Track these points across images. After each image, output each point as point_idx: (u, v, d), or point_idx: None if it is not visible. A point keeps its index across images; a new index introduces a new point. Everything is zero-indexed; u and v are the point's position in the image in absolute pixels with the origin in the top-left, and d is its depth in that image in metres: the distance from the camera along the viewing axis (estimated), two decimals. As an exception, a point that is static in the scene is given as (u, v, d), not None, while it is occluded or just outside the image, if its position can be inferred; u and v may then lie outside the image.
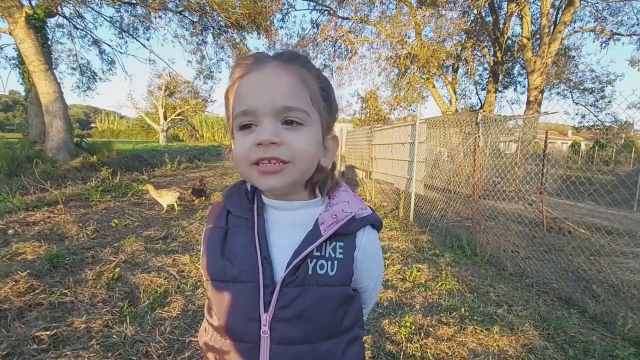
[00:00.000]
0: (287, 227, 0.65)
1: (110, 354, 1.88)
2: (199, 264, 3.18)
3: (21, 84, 9.84)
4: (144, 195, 6.30)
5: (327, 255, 0.62)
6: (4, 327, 2.05)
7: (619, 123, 14.79)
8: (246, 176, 0.62)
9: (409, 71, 15.51)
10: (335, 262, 0.62)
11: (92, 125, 49.20)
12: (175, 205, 5.41)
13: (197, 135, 38.19)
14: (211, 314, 0.68)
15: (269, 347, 0.60)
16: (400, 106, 16.64)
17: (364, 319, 0.74)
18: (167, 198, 5.29)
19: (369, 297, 0.74)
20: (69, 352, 1.85)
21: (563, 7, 11.36)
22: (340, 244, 0.63)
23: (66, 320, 2.16)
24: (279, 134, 0.55)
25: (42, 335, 1.98)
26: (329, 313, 0.62)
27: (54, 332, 2.01)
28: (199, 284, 2.84)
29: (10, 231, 3.74)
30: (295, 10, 15.84)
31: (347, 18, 15.56)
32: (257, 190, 0.67)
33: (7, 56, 11.77)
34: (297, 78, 0.58)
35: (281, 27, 16.02)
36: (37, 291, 2.45)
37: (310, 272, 0.60)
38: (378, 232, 0.69)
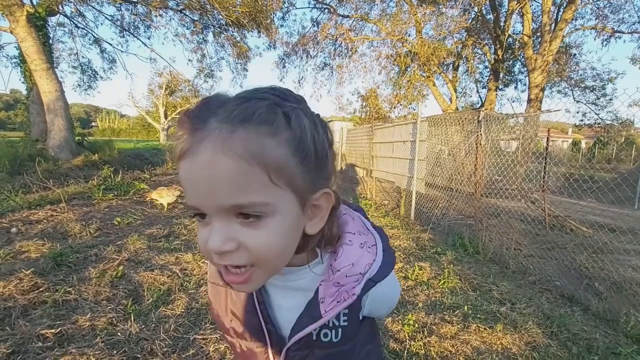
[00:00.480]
0: (287, 290, 0.60)
1: (115, 352, 1.89)
2: (202, 262, 3.19)
3: (23, 82, 9.87)
4: (145, 194, 6.31)
5: (330, 325, 0.59)
6: (9, 325, 2.05)
7: (620, 121, 14.75)
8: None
9: (409, 69, 15.50)
10: (340, 330, 0.59)
11: (93, 124, 49.28)
12: (166, 205, 5.42)
13: (198, 134, 38.17)
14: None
15: None
16: (401, 104, 16.65)
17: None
18: (167, 197, 5.31)
19: (383, 315, 0.71)
20: (73, 350, 1.86)
21: (564, 5, 11.34)
22: (344, 311, 0.58)
23: (70, 318, 2.17)
24: (234, 235, 0.44)
25: (46, 333, 1.98)
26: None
27: (58, 330, 2.02)
28: (202, 282, 2.85)
29: (14, 229, 3.75)
30: (296, 8, 15.85)
31: (347, 16, 15.54)
32: None
33: (8, 55, 11.81)
34: (244, 162, 0.41)
35: (282, 26, 16.04)
36: (41, 289, 2.46)
37: (314, 339, 0.59)
38: (391, 274, 0.61)
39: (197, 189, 0.43)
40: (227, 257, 0.45)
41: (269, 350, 0.60)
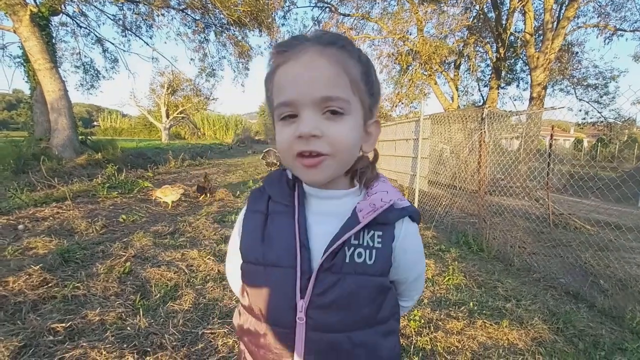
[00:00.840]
0: (325, 216, 0.64)
1: (125, 345, 1.91)
2: (207, 259, 3.21)
3: (26, 82, 9.88)
4: (150, 192, 6.33)
5: (365, 244, 0.61)
6: (20, 319, 2.08)
7: (623, 119, 14.72)
8: (290, 167, 0.61)
9: (410, 68, 15.48)
10: (374, 251, 0.61)
11: (95, 123, 49.35)
12: (170, 204, 5.44)
13: (199, 133, 38.25)
14: (245, 297, 0.69)
15: (305, 334, 0.60)
16: (402, 103, 16.61)
17: (405, 313, 0.74)
18: (171, 196, 5.34)
19: (409, 289, 0.73)
20: (84, 344, 1.88)
21: (566, 3, 11.30)
22: (378, 233, 0.62)
23: (80, 312, 2.19)
24: (320, 126, 0.54)
25: (57, 327, 2.00)
26: (365, 303, 0.62)
27: (69, 324, 2.04)
28: (208, 277, 2.86)
29: (21, 226, 3.78)
30: (297, 7, 15.86)
31: (348, 15, 15.53)
32: (297, 178, 0.65)
33: (11, 54, 11.82)
34: (336, 65, 0.55)
35: (283, 25, 15.97)
36: (50, 285, 2.48)
37: (347, 260, 0.60)
38: (417, 225, 0.68)
39: (296, 84, 0.55)
40: (312, 142, 0.54)
41: (298, 274, 0.60)
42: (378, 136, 0.66)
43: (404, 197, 0.67)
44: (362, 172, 0.66)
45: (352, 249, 0.60)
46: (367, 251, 0.61)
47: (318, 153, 0.55)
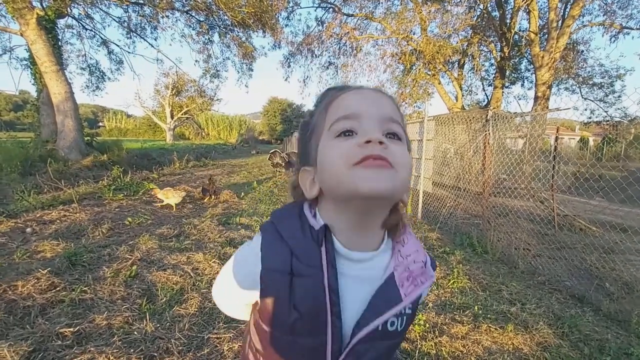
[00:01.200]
0: (356, 279, 0.59)
1: (132, 350, 1.93)
2: (212, 262, 3.23)
3: (33, 84, 10.00)
4: (153, 191, 6.38)
5: (398, 312, 0.59)
6: (29, 323, 2.10)
7: (629, 118, 14.57)
8: (343, 182, 0.53)
9: (414, 68, 15.43)
10: (405, 317, 0.60)
11: (100, 124, 49.73)
12: (174, 205, 5.48)
13: (203, 134, 38.42)
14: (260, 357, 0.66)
15: None
16: (406, 103, 16.56)
17: None
18: (173, 198, 5.39)
19: None
20: (92, 348, 1.90)
21: (571, 1, 11.23)
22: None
23: (87, 317, 2.22)
24: (387, 140, 0.54)
25: (65, 331, 2.03)
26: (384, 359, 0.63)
27: (76, 328, 2.06)
28: (214, 281, 2.87)
29: (29, 229, 3.82)
30: (300, 8, 15.87)
31: (352, 15, 15.51)
32: (325, 230, 0.58)
33: (18, 57, 11.94)
34: (393, 102, 0.60)
35: (286, 25, 16.06)
36: (58, 288, 2.51)
37: (380, 329, 0.58)
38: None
39: (363, 101, 0.57)
40: (381, 149, 0.52)
41: (328, 346, 0.57)
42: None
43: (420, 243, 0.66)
44: (395, 225, 0.62)
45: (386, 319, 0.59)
46: (400, 319, 0.60)
47: (386, 160, 0.52)
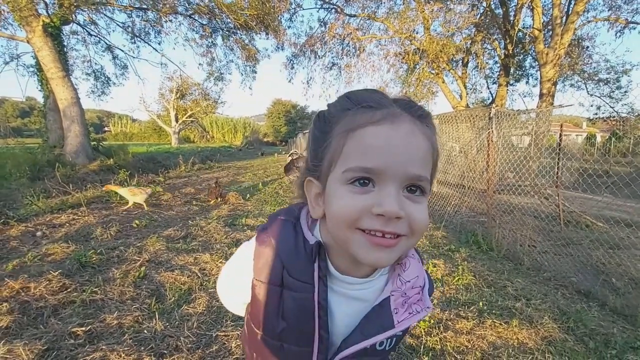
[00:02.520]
0: (347, 299, 0.59)
1: (142, 348, 1.98)
2: (219, 262, 3.28)
3: (40, 90, 10.16)
4: (161, 197, 6.46)
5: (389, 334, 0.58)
6: (42, 323, 2.16)
7: (636, 113, 14.42)
8: (341, 239, 0.51)
9: (418, 67, 15.40)
10: (395, 338, 0.59)
11: (106, 128, 50.26)
12: (145, 204, 5.55)
13: (208, 137, 38.69)
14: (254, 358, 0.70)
15: None
16: (410, 102, 16.53)
17: None
18: (140, 195, 5.46)
19: None
20: (104, 347, 1.95)
21: (575, -3, 11.14)
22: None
23: (99, 316, 2.27)
24: (404, 206, 0.48)
25: (77, 331, 2.08)
26: None
27: (88, 328, 2.11)
28: (221, 281, 2.92)
29: (39, 233, 3.90)
30: (303, 9, 15.92)
31: (354, 15, 15.55)
32: (319, 246, 0.57)
33: (24, 64, 12.13)
34: (429, 143, 0.51)
35: (289, 27, 16.13)
36: (69, 290, 2.57)
37: (368, 347, 0.57)
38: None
39: (391, 154, 0.47)
40: (394, 223, 0.47)
41: (314, 357, 0.59)
42: None
43: (422, 265, 0.62)
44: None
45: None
46: (389, 340, 0.59)
47: (397, 235, 0.48)
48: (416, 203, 0.49)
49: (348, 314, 0.58)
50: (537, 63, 12.79)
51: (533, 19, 11.82)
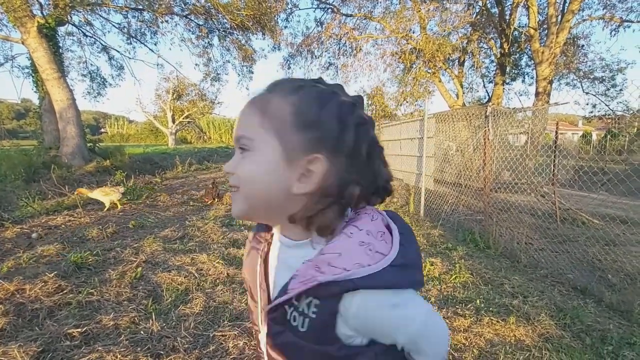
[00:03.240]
0: (281, 263, 0.63)
1: (139, 349, 1.97)
2: (216, 263, 3.27)
3: (35, 92, 10.08)
4: (158, 198, 6.44)
5: (300, 310, 0.55)
6: (37, 325, 2.15)
7: (632, 111, 14.51)
8: None
9: (414, 66, 15.43)
10: (307, 319, 0.54)
11: (102, 130, 49.99)
12: (118, 203, 5.57)
13: (205, 137, 38.57)
14: None
15: None
16: (407, 102, 16.58)
17: None
18: (114, 194, 5.47)
19: (412, 350, 0.57)
20: (100, 348, 1.94)
21: (570, -4, 11.19)
22: (316, 302, 0.53)
23: (95, 318, 2.26)
24: (235, 163, 0.58)
25: (73, 332, 2.07)
26: None
27: (84, 329, 2.10)
28: (218, 281, 2.92)
29: (34, 235, 3.88)
30: (299, 9, 15.92)
31: (350, 15, 15.54)
32: None
33: (19, 65, 12.06)
34: (254, 107, 0.57)
35: (285, 27, 16.11)
36: (65, 291, 2.56)
37: (288, 317, 0.57)
38: (390, 293, 0.52)
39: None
40: (229, 177, 0.59)
41: (258, 310, 0.65)
42: (327, 175, 0.54)
43: (380, 258, 0.51)
44: (309, 219, 0.55)
45: (292, 309, 0.56)
46: (301, 318, 0.55)
47: (232, 186, 0.59)
48: (243, 159, 0.57)
49: (279, 279, 0.62)
50: (532, 62, 12.85)
51: (529, 18, 11.85)
